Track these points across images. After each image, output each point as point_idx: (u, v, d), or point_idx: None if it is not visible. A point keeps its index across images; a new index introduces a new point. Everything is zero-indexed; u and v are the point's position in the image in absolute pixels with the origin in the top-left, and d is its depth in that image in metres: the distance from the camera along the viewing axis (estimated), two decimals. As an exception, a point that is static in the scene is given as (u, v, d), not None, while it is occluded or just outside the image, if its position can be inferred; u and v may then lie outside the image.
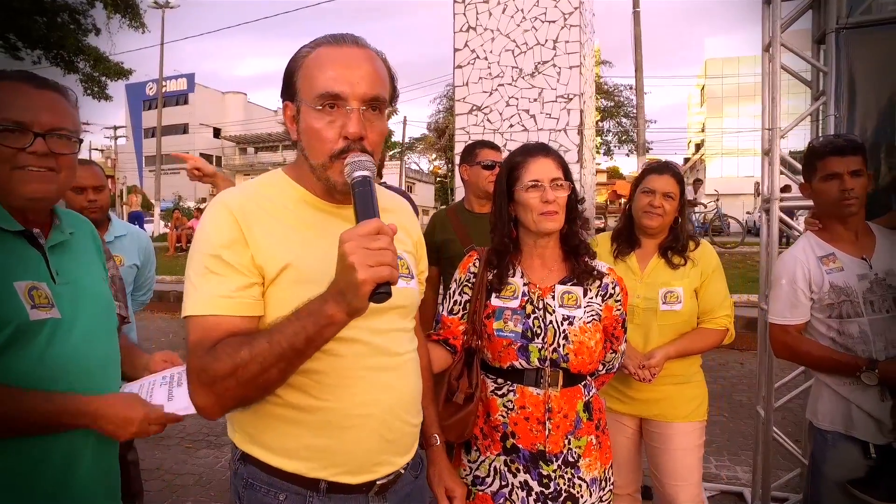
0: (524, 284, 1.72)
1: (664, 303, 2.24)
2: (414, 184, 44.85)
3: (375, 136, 1.17)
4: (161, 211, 24.83)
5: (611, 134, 30.91)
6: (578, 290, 1.70)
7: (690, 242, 2.31)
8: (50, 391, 1.23)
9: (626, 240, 2.37)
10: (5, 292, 1.19)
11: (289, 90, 1.20)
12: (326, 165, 1.16)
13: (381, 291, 0.94)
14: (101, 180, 2.49)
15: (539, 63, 3.45)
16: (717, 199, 14.65)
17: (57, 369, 1.26)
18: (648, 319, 2.26)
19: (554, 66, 3.42)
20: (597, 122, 27.80)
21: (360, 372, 1.18)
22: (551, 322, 1.66)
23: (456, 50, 3.61)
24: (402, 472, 1.29)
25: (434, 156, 36.69)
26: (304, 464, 1.17)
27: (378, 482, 1.23)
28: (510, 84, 3.51)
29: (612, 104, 30.04)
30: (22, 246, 1.27)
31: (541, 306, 1.68)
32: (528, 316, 1.67)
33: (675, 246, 2.29)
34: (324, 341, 1.03)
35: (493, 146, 2.93)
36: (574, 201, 1.73)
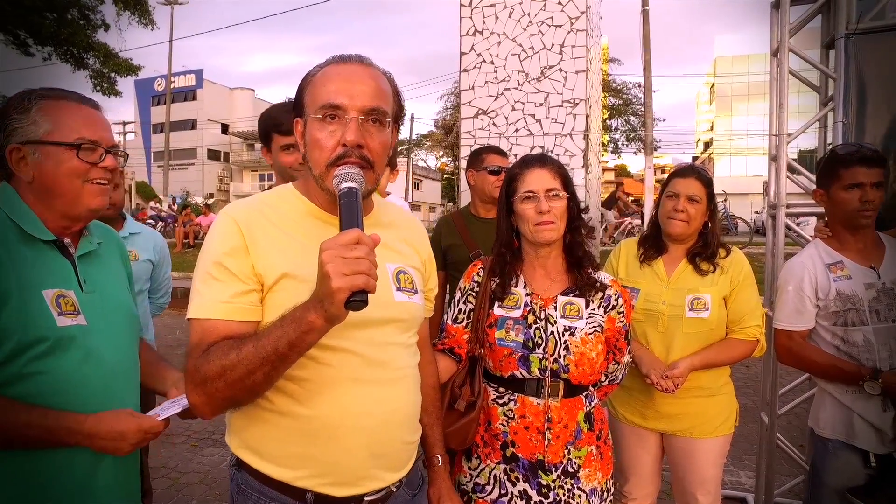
0: (526, 294, 1.72)
1: (691, 310, 2.15)
2: (421, 180, 44.85)
3: (376, 146, 1.20)
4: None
5: (618, 132, 30.80)
6: (580, 302, 1.71)
7: (721, 250, 2.22)
8: (47, 408, 1.23)
9: (654, 245, 2.30)
10: (34, 301, 1.24)
11: (298, 107, 1.25)
12: (324, 175, 1.19)
13: (357, 300, 0.96)
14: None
15: (545, 67, 3.45)
16: (725, 199, 14.61)
17: (83, 375, 1.30)
18: (673, 326, 2.17)
19: (560, 70, 3.42)
20: (604, 120, 27.72)
21: (348, 383, 1.19)
22: (552, 333, 1.66)
23: (462, 53, 3.61)
24: (394, 489, 1.28)
25: (441, 153, 36.69)
26: (289, 471, 1.19)
27: (367, 498, 1.23)
28: (516, 88, 3.51)
29: (620, 102, 29.91)
30: (52, 255, 1.33)
31: (542, 317, 1.69)
32: (530, 326, 1.68)
33: (705, 252, 2.20)
34: (306, 347, 1.05)
35: (500, 152, 2.93)
36: (576, 211, 1.73)
